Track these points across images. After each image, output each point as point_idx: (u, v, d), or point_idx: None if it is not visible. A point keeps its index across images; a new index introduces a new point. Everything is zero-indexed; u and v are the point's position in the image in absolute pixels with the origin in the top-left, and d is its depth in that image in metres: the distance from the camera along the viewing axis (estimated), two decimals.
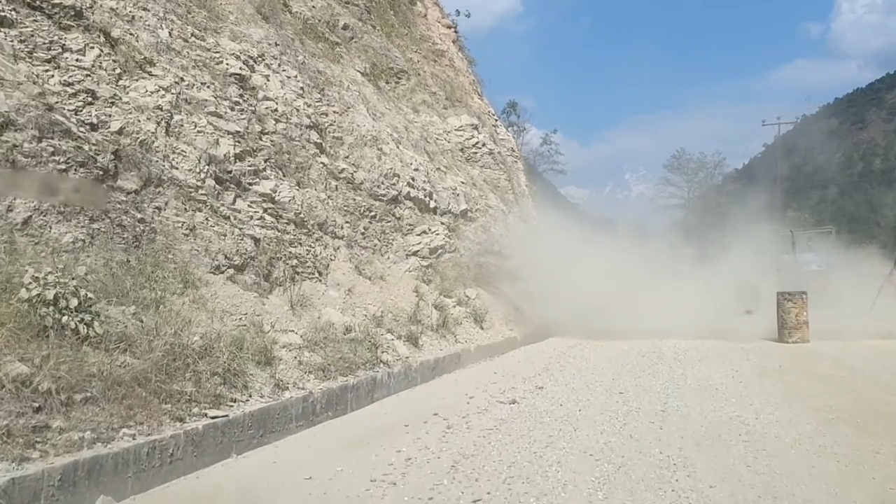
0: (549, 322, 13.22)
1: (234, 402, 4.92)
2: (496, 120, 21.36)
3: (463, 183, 14.13)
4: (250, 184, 8.45)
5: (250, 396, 5.08)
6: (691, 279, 29.56)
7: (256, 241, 7.98)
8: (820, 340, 10.37)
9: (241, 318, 6.59)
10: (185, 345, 5.05)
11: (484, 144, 16.33)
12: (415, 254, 11.24)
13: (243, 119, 8.95)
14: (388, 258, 10.52)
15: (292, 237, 8.58)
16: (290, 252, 8.43)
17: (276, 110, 9.61)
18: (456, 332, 9.52)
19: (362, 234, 10.20)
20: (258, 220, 8.29)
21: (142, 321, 5.34)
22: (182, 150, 7.65)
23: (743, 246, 29.54)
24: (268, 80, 9.91)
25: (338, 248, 9.46)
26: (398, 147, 12.07)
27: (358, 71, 13.77)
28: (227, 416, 4.61)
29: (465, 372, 8.24)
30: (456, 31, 21.89)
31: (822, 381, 7.26)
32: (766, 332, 11.52)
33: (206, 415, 4.53)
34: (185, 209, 7.36)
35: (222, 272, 7.35)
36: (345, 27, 15.01)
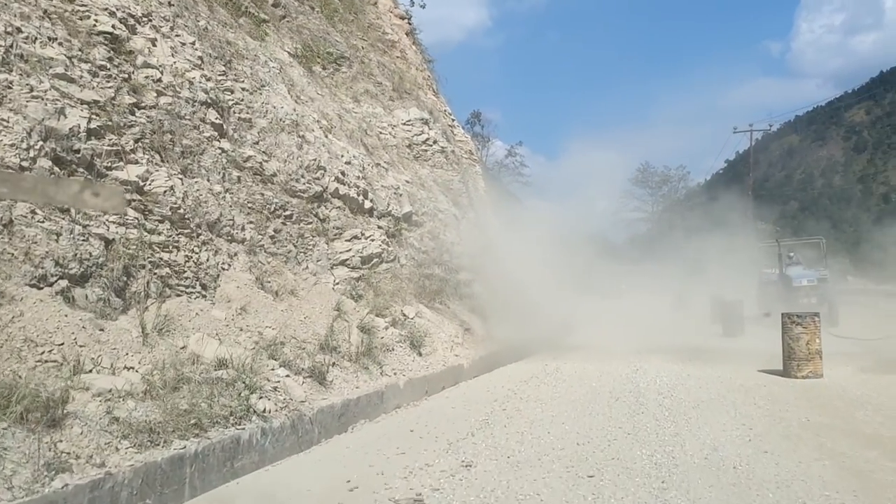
0: (505, 345, 11.36)
1: None
2: (453, 120, 19.56)
3: (408, 182, 12.24)
4: (109, 168, 6.44)
5: None
6: (661, 295, 28.14)
7: (108, 242, 5.97)
8: (832, 370, 8.49)
9: (50, 352, 4.58)
10: None
11: (435, 141, 14.47)
12: (343, 263, 9.29)
13: (109, 87, 6.95)
14: (307, 268, 8.55)
15: (165, 239, 6.58)
16: (161, 258, 6.42)
17: (159, 80, 7.62)
18: (384, 360, 7.58)
19: (271, 237, 8.22)
20: (115, 215, 6.28)
21: None
22: (2, 119, 5.63)
23: (715, 260, 28.19)
24: (153, 45, 7.93)
25: (234, 255, 7.47)
26: (327, 136, 10.13)
27: (286, 51, 11.84)
28: None
29: (372, 428, 6.01)
30: (410, 23, 20.09)
31: (882, 448, 5.03)
32: (760, 359, 9.69)
33: None
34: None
35: (49, 284, 5.33)
36: (275, 4, 13.08)
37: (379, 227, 10.36)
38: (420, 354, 8.47)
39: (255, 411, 4.79)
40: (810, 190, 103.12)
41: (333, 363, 6.61)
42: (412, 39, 19.76)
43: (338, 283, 8.92)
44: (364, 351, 7.29)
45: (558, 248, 21.48)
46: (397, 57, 17.12)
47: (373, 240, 9.98)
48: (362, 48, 15.27)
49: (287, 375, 5.74)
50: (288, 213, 8.61)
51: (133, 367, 4.85)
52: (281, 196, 8.63)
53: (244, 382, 4.98)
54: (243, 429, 4.51)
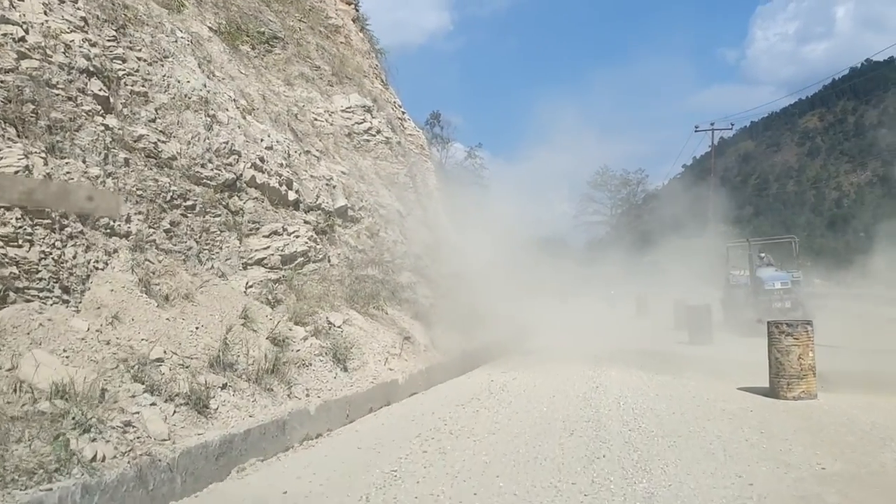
0: (451, 354, 10.22)
1: None
2: (403, 112, 18.37)
3: (344, 173, 11.01)
4: None
5: None
6: (619, 300, 27.34)
7: None
8: (823, 388, 7.28)
9: None
10: None
11: (379, 131, 13.27)
12: (259, 263, 8.03)
13: None
14: (211, 268, 7.28)
15: (13, 230, 5.26)
16: (4, 255, 5.11)
17: (22, 40, 6.28)
18: (296, 379, 6.34)
19: (167, 231, 6.92)
20: None
21: None
22: None
23: (677, 262, 27.54)
24: (20, 0, 6.59)
25: (114, 252, 6.16)
26: (245, 118, 8.86)
27: (207, 26, 10.52)
28: None
29: (229, 488, 4.31)
30: (357, 9, 18.86)
31: None
32: (736, 372, 8.61)
33: None
34: None
35: None
36: None
37: (306, 222, 9.12)
38: (345, 370, 7.26)
39: (79, 460, 3.53)
40: (765, 195, 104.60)
41: (224, 384, 5.37)
42: (359, 26, 18.53)
43: (251, 286, 7.66)
44: (270, 368, 6.05)
45: (516, 249, 20.46)
46: (341, 42, 15.87)
47: (297, 236, 8.74)
48: (300, 30, 14.00)
49: (152, 404, 4.49)
50: (189, 203, 7.33)
51: None
52: (181, 183, 7.34)
53: (75, 418, 3.72)
54: (51, 488, 3.25)
